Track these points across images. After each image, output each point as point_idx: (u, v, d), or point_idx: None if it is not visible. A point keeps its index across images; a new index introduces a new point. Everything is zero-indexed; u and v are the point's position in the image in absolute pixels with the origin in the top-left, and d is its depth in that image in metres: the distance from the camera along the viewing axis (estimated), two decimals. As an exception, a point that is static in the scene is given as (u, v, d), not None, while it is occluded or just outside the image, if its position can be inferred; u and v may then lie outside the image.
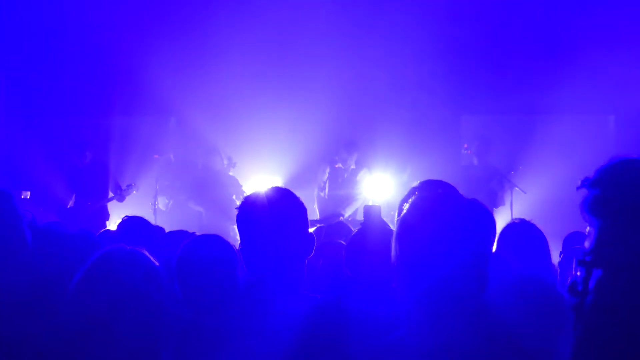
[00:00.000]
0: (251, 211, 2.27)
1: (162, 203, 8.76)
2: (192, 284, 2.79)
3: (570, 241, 4.59)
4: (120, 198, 8.57)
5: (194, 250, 2.91)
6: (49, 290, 2.41)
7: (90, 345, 1.99)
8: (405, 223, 1.72)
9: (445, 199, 1.73)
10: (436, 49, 10.09)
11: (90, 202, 8.57)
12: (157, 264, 2.31)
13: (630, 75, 9.68)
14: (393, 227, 2.97)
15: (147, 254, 2.31)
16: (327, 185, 8.66)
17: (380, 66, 10.02)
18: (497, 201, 8.56)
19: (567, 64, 9.69)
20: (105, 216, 8.65)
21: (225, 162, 8.57)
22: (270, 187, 2.35)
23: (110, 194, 8.79)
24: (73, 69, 10.23)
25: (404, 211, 1.77)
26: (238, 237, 2.34)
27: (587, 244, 1.21)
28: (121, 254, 2.25)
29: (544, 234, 3.49)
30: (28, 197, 9.14)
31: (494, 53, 10.04)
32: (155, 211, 8.54)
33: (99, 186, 8.76)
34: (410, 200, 2.40)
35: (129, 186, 8.56)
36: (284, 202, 2.27)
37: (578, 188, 1.20)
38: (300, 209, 2.29)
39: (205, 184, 8.55)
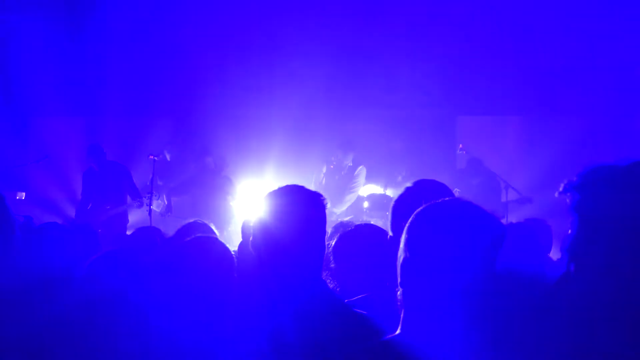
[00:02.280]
0: (276, 206, 2.24)
1: (155, 204, 8.71)
2: (190, 286, 2.78)
3: None
4: (140, 205, 8.47)
5: (189, 252, 2.90)
6: (44, 288, 2.41)
7: (87, 340, 1.99)
8: (416, 229, 1.72)
9: (457, 207, 1.74)
10: (431, 49, 10.11)
11: (110, 206, 8.56)
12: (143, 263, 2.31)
13: (623, 77, 9.71)
14: (383, 225, 2.97)
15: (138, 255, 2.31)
16: (322, 184, 8.65)
17: (376, 66, 10.03)
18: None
19: (562, 65, 9.72)
20: (125, 221, 8.60)
21: (219, 162, 8.53)
22: (297, 186, 2.31)
23: (130, 200, 8.78)
24: (78, 71, 10.22)
25: (412, 217, 1.77)
26: (232, 238, 2.34)
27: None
28: (120, 256, 2.26)
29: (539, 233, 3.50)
30: (23, 198, 9.12)
31: (490, 53, 10.04)
32: (150, 212, 8.50)
33: (118, 190, 8.73)
34: (403, 199, 2.40)
35: (152, 194, 8.43)
36: (310, 204, 2.25)
37: (560, 192, 1.26)
38: (323, 215, 2.26)
39: (196, 185, 8.49)
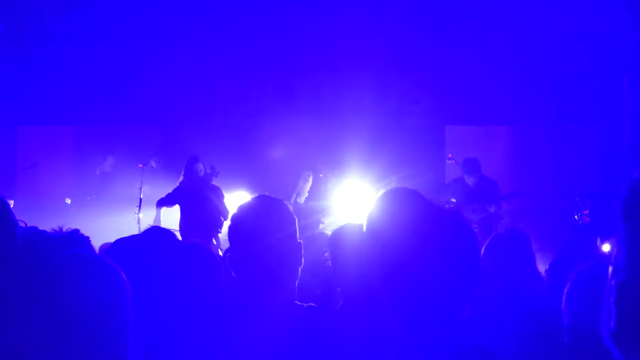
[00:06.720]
0: (242, 219, 2.29)
1: (144, 212, 8.67)
2: (176, 292, 2.77)
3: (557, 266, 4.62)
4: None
5: (179, 258, 2.89)
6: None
7: (50, 354, 1.93)
8: (382, 236, 1.70)
9: (418, 210, 1.71)
10: (420, 58, 10.15)
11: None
12: (120, 270, 2.27)
13: (603, 85, 9.78)
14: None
15: (109, 260, 2.26)
16: (304, 193, 8.64)
17: (364, 75, 10.05)
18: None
19: (549, 76, 9.77)
20: None
21: (208, 170, 8.48)
22: (260, 195, 2.39)
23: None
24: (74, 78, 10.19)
25: (375, 223, 1.75)
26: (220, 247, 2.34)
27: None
28: (82, 260, 2.20)
29: (531, 243, 3.49)
30: (12, 206, 9.04)
31: (477, 63, 10.09)
32: (138, 220, 8.46)
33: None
34: (377, 210, 2.40)
35: (140, 203, 8.57)
36: (273, 210, 2.30)
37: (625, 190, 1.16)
38: (290, 217, 2.33)
39: (185, 193, 8.43)
